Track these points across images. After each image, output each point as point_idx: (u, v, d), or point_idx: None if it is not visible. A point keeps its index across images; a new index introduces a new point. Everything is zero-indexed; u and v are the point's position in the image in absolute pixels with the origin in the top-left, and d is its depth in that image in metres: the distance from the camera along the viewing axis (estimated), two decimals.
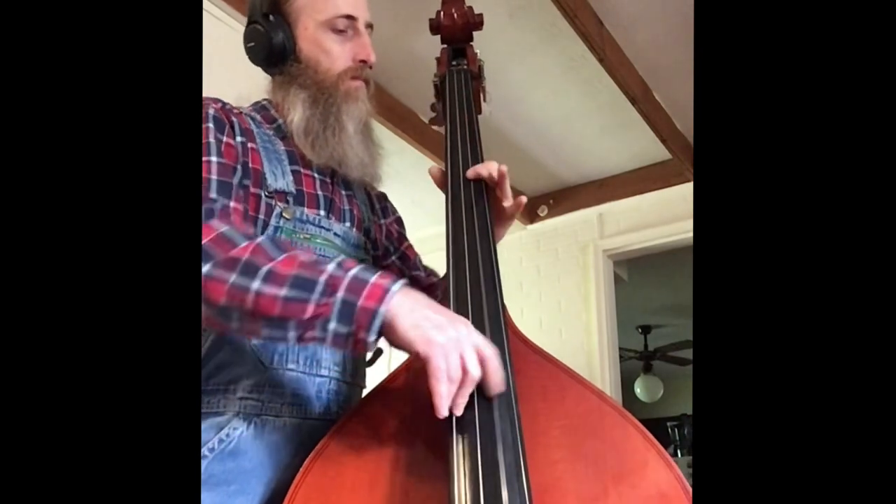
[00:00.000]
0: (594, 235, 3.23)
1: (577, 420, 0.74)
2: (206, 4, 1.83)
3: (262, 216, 0.88)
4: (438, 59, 1.19)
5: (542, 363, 0.80)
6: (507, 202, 0.94)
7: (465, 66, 1.14)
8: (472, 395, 0.70)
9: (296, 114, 0.96)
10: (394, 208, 1.18)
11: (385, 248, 1.11)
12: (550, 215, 3.34)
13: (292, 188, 0.93)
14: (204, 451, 0.80)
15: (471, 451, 0.66)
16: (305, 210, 0.93)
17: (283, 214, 0.90)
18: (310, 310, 0.69)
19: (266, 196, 0.89)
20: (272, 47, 0.99)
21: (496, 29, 1.85)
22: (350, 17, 0.98)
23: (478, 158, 0.98)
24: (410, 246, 1.16)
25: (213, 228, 0.75)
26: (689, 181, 2.97)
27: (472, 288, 0.81)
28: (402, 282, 0.72)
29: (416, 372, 0.79)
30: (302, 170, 0.96)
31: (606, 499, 0.68)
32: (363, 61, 0.98)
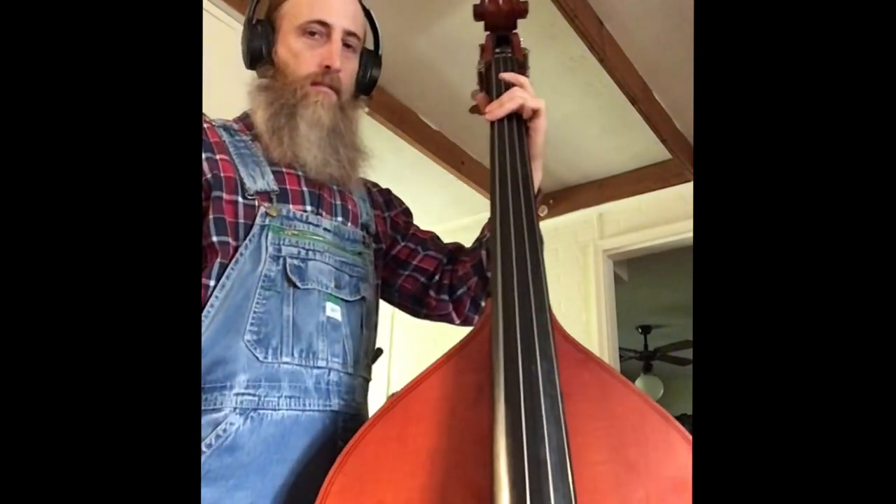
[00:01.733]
0: (594, 235, 3.24)
1: (618, 421, 0.72)
2: (206, 4, 1.83)
3: (242, 220, 0.90)
4: (482, 47, 1.16)
5: (583, 361, 0.78)
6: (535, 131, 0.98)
7: (510, 54, 1.12)
8: (517, 396, 0.68)
9: (257, 116, 0.99)
10: (400, 201, 1.19)
11: (392, 238, 1.13)
12: (550, 215, 3.34)
13: (274, 187, 0.94)
14: (202, 447, 0.81)
15: (516, 454, 0.65)
16: (291, 207, 0.94)
17: (268, 213, 0.91)
18: None
19: (246, 200, 0.91)
20: (250, 52, 1.04)
21: None
22: (322, 23, 0.99)
23: (524, 148, 0.97)
24: (420, 229, 1.17)
25: None
26: (689, 181, 2.97)
27: (520, 284, 0.79)
28: None
29: (460, 360, 0.78)
30: (284, 169, 0.97)
31: (648, 502, 0.66)
32: (327, 67, 0.98)
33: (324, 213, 0.98)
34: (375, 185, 1.18)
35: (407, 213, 1.18)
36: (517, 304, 0.77)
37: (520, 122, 0.99)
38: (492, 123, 1.00)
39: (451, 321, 1.13)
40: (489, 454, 0.66)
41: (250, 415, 0.84)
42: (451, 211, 3.43)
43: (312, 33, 0.99)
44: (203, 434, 0.82)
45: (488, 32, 1.18)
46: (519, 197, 0.89)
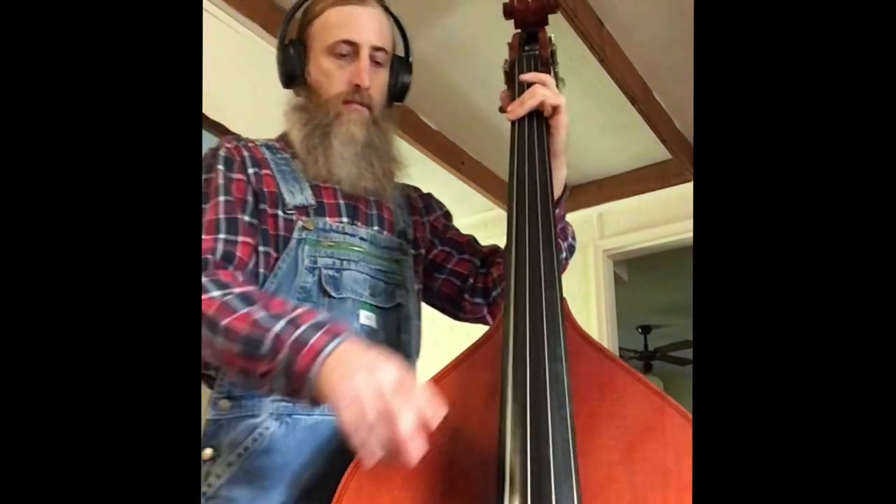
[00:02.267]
0: (594, 235, 3.23)
1: (635, 421, 0.71)
2: (206, 4, 1.83)
3: (282, 232, 0.95)
4: (510, 45, 1.16)
5: (601, 360, 0.77)
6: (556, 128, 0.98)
7: (537, 52, 1.12)
8: (524, 396, 0.69)
9: (293, 136, 1.03)
10: (440, 204, 1.21)
11: (430, 243, 1.14)
12: None
13: (312, 201, 0.99)
14: (239, 450, 0.86)
15: (521, 455, 0.65)
16: (327, 219, 0.98)
17: (305, 226, 0.95)
18: (262, 366, 0.74)
19: (285, 214, 0.96)
20: (285, 73, 1.06)
21: (495, 29, 1.86)
22: (350, 42, 1.01)
23: (544, 147, 0.96)
24: (459, 232, 1.18)
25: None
26: (689, 181, 2.97)
27: (532, 284, 0.79)
28: (340, 338, 0.72)
29: (469, 366, 0.79)
30: (321, 184, 1.01)
31: (665, 502, 0.65)
32: (357, 85, 1.00)
33: (359, 224, 1.01)
34: (416, 189, 1.20)
35: (447, 216, 1.19)
36: (528, 304, 0.77)
37: (540, 119, 0.99)
38: (513, 123, 1.00)
39: (487, 324, 1.14)
40: (496, 455, 0.66)
41: (285, 419, 0.88)
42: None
43: (341, 53, 1.01)
44: (241, 438, 0.87)
45: (516, 31, 1.17)
46: (536, 196, 0.89)
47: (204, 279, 0.82)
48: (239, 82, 1.92)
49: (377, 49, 1.02)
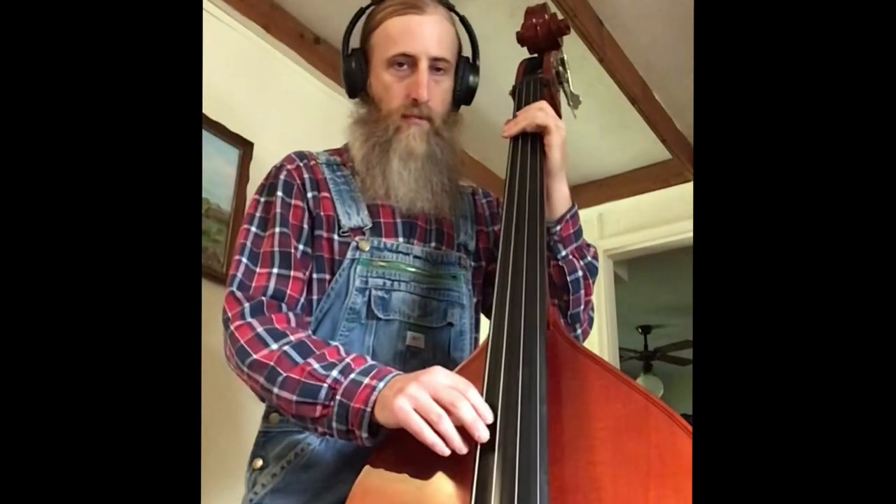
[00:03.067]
0: (594, 235, 3.22)
1: (621, 421, 0.73)
2: (206, 4, 1.82)
3: (336, 256, 0.97)
4: (517, 70, 1.19)
5: (587, 363, 0.79)
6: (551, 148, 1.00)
7: (539, 75, 1.14)
8: (495, 399, 0.72)
9: (354, 152, 1.03)
10: None
11: (490, 254, 1.13)
12: None
13: (368, 222, 1.00)
14: (283, 463, 0.92)
15: (490, 455, 0.68)
16: (383, 239, 1.00)
17: (360, 247, 0.97)
18: (318, 411, 0.80)
19: (340, 237, 0.98)
20: (348, 84, 1.07)
21: (496, 29, 1.85)
22: (408, 55, 1.00)
23: (536, 165, 0.99)
24: None
25: (253, 329, 0.87)
26: (689, 181, 2.96)
27: (513, 293, 0.82)
28: (391, 375, 0.79)
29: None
30: (381, 203, 1.02)
31: (647, 502, 0.66)
32: (415, 99, 1.00)
33: (416, 241, 1.02)
34: (487, 194, 1.19)
35: None
36: (507, 313, 0.80)
37: (534, 140, 1.01)
38: (510, 143, 1.02)
39: None
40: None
41: (326, 437, 0.91)
42: None
43: (400, 64, 1.01)
44: (286, 452, 0.93)
45: (523, 60, 1.20)
46: (524, 211, 0.92)
47: (260, 328, 0.87)
48: (239, 82, 1.92)
49: (438, 59, 1.01)
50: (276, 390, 0.82)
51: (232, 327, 0.89)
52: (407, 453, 0.75)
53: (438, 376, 0.75)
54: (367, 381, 0.79)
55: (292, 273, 0.94)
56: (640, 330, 5.24)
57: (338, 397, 0.78)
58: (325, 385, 0.80)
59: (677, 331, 5.10)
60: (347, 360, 0.82)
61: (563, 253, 1.02)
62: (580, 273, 1.05)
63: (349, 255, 0.97)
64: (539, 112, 1.00)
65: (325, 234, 0.98)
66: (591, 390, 0.76)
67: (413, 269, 0.99)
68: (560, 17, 1.17)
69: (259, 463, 0.94)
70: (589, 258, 1.09)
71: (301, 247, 0.97)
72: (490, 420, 0.71)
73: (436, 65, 1.01)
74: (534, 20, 1.17)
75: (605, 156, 3.05)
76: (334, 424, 0.79)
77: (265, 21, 1.98)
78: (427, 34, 1.00)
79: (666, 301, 4.64)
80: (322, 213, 0.99)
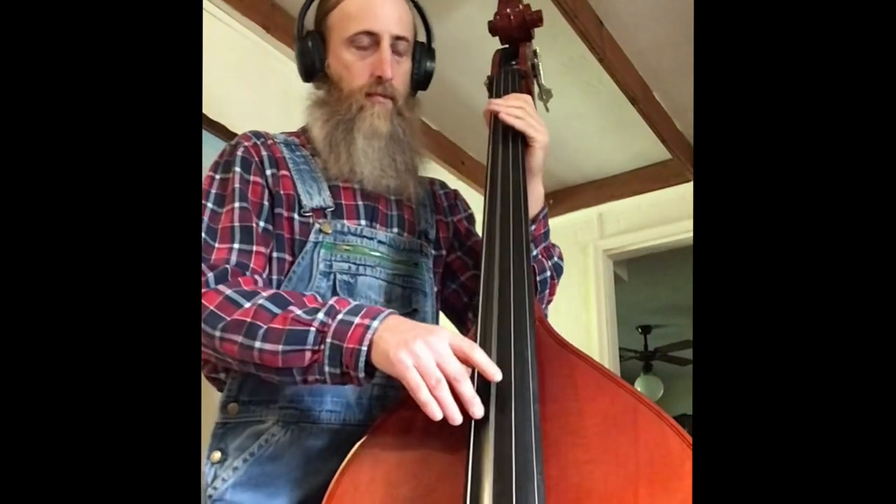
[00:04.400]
0: (594, 235, 3.23)
1: (609, 420, 0.72)
2: (206, 4, 1.82)
3: (297, 236, 0.94)
4: (493, 61, 1.19)
5: (574, 361, 0.79)
6: (533, 145, 0.99)
7: (515, 66, 1.14)
8: (487, 397, 0.71)
9: (314, 132, 1.01)
10: (466, 205, 1.18)
11: (450, 245, 1.12)
12: (550, 215, 3.27)
13: (330, 203, 0.97)
14: (245, 455, 0.86)
15: (484, 454, 0.67)
16: (346, 222, 0.97)
17: (322, 229, 0.94)
18: (307, 357, 0.76)
19: (301, 216, 0.95)
20: (304, 66, 1.05)
21: None
22: (370, 33, 0.99)
23: (518, 159, 0.99)
24: (479, 241, 1.17)
25: (220, 293, 0.82)
26: (689, 181, 2.97)
27: (501, 289, 0.81)
28: (384, 314, 0.77)
29: None
30: (341, 184, 0.99)
31: (636, 501, 0.66)
32: (379, 77, 0.99)
33: (378, 226, 1.00)
34: (444, 185, 1.18)
35: (470, 220, 1.17)
36: (497, 309, 0.80)
37: (516, 135, 1.01)
38: (491, 132, 1.02)
39: None
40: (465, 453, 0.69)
41: (291, 427, 0.88)
42: None
43: (361, 44, 0.99)
44: (248, 444, 0.87)
45: (499, 48, 1.20)
46: (509, 207, 0.92)
47: (228, 290, 0.83)
48: (239, 82, 1.92)
49: (398, 38, 1.00)
50: (258, 344, 0.78)
51: (202, 295, 0.83)
52: (396, 453, 0.75)
53: (444, 342, 0.73)
54: (357, 320, 0.76)
55: (254, 248, 0.90)
56: (640, 330, 5.24)
57: (328, 340, 0.75)
58: (313, 329, 0.76)
59: (677, 331, 5.11)
60: (330, 302, 0.79)
61: (534, 252, 1.02)
62: (548, 273, 1.06)
63: (312, 237, 0.93)
64: (534, 122, 0.99)
65: (285, 213, 0.94)
66: (578, 387, 0.76)
67: (378, 255, 0.97)
68: (533, 9, 1.17)
69: (217, 455, 0.88)
70: (555, 258, 1.11)
71: (262, 223, 0.93)
72: (499, 378, 0.71)
73: (396, 46, 1.01)
74: (508, 10, 1.16)
75: (605, 156, 3.05)
76: (326, 369, 0.76)
77: (265, 21, 1.98)
78: (388, 13, 1.00)
79: (666, 301, 4.65)
80: (282, 192, 0.95)
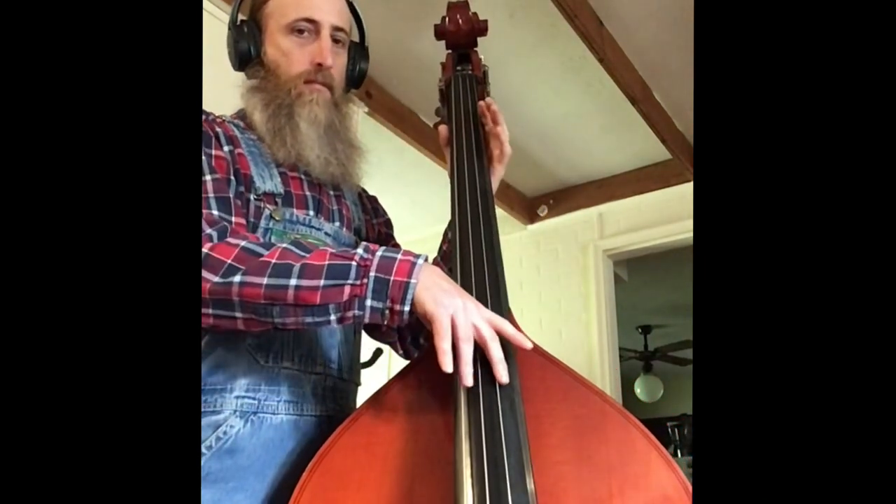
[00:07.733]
0: (594, 235, 3.23)
1: (579, 422, 0.74)
2: (205, 4, 1.82)
3: (251, 219, 0.91)
4: (444, 65, 1.20)
5: (545, 364, 0.80)
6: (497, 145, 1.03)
7: (470, 71, 1.16)
8: (478, 391, 0.71)
9: (255, 118, 0.99)
10: (384, 210, 1.19)
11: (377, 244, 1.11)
12: (550, 215, 3.34)
13: (280, 189, 0.95)
14: (202, 448, 0.82)
15: (477, 456, 0.67)
16: (295, 211, 0.95)
17: (273, 216, 0.92)
18: (346, 292, 0.75)
19: (255, 199, 0.92)
20: (238, 54, 1.02)
21: (496, 29, 1.85)
22: (311, 21, 0.98)
23: (482, 161, 1.01)
24: (398, 245, 1.16)
25: (234, 245, 0.79)
26: (689, 181, 2.97)
27: (478, 291, 0.82)
28: (423, 256, 0.78)
29: (426, 367, 0.79)
30: (288, 172, 0.98)
31: (610, 501, 0.68)
32: (319, 64, 0.98)
33: (323, 218, 0.99)
34: (364, 189, 1.17)
35: (388, 225, 1.18)
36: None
37: (479, 137, 1.04)
38: (453, 129, 1.04)
39: (397, 350, 1.13)
40: (452, 456, 0.69)
41: (250, 418, 0.85)
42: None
43: (301, 31, 0.99)
44: (203, 436, 0.82)
45: (449, 51, 1.21)
46: (478, 209, 0.94)
47: (243, 242, 0.79)
48: (238, 82, 1.92)
49: (338, 29, 1.00)
50: (293, 282, 0.75)
51: (206, 250, 0.78)
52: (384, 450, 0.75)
53: (483, 308, 0.76)
54: (400, 256, 0.77)
55: (234, 219, 0.87)
56: (640, 330, 5.25)
57: (372, 273, 0.75)
58: (354, 262, 0.76)
59: (677, 331, 5.11)
60: (363, 243, 0.80)
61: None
62: None
63: (263, 223, 0.91)
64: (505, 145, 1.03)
65: (245, 193, 0.92)
66: (548, 390, 0.77)
67: (324, 246, 0.94)
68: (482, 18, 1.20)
69: None
70: None
71: (232, 196, 0.89)
72: (530, 346, 0.75)
73: (336, 35, 1.00)
74: (458, 16, 1.18)
75: (605, 156, 3.05)
76: (368, 303, 0.75)
77: None
78: (328, 4, 1.00)
79: (666, 301, 4.65)
80: (241, 170, 0.92)
